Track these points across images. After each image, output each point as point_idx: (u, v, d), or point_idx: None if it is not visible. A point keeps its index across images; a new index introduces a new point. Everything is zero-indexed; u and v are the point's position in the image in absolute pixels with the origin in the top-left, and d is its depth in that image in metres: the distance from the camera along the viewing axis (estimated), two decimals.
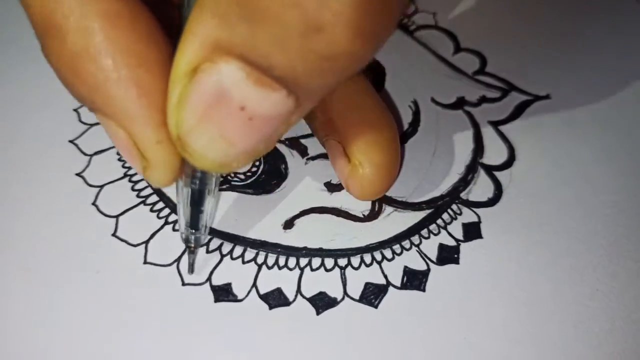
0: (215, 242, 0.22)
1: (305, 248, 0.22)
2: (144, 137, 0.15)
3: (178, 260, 0.21)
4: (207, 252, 0.22)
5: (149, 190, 0.23)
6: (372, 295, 0.21)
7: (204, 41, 0.13)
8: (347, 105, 0.21)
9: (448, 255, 0.22)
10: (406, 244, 0.22)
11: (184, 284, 0.21)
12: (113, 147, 0.24)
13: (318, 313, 0.20)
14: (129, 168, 0.24)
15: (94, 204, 0.23)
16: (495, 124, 0.25)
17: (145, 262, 0.21)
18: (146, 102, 0.15)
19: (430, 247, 0.22)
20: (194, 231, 0.20)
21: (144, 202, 0.23)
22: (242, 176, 0.23)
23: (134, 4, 0.15)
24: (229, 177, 0.23)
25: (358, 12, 0.12)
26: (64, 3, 0.14)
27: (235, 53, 0.13)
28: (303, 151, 0.24)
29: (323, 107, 0.21)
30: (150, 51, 0.15)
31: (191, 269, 0.21)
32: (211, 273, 0.21)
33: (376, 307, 0.20)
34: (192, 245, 0.20)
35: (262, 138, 0.15)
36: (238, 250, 0.22)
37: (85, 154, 0.24)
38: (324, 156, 0.24)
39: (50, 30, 0.15)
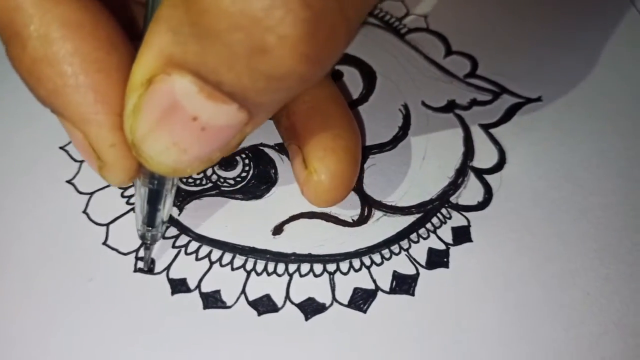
0: (205, 249, 0.22)
1: (294, 254, 0.22)
2: (99, 140, 0.16)
3: (167, 268, 0.21)
4: (197, 259, 0.22)
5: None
6: (361, 300, 0.21)
7: (159, 54, 0.14)
8: (309, 112, 0.21)
9: (437, 260, 0.22)
10: (395, 248, 0.22)
11: (173, 293, 0.21)
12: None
13: (307, 319, 0.20)
14: None
15: (84, 212, 0.23)
16: (486, 127, 0.25)
17: (135, 271, 0.21)
18: (102, 107, 0.16)
19: (420, 251, 0.22)
20: (150, 228, 0.20)
21: (133, 210, 0.23)
22: (231, 181, 0.24)
23: (97, 11, 0.16)
24: (218, 183, 0.23)
25: (303, 38, 0.12)
26: (24, 11, 0.15)
27: (188, 68, 0.13)
28: None
29: (287, 111, 0.21)
30: (110, 58, 0.16)
31: (146, 265, 0.21)
32: (200, 280, 0.21)
33: (365, 312, 0.20)
34: (149, 241, 0.21)
35: (216, 147, 0.15)
36: (227, 257, 0.22)
37: (75, 160, 0.24)
38: None
39: (12, 36, 0.15)
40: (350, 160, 0.21)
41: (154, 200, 0.19)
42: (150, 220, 0.20)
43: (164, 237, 0.22)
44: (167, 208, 0.20)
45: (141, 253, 0.22)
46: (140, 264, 0.21)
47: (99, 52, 0.16)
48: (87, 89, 0.16)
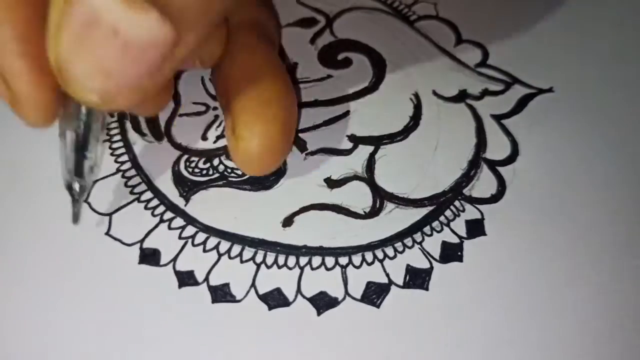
0: (213, 241, 0.21)
1: (305, 246, 0.21)
2: (10, 67, 0.16)
3: (174, 260, 0.21)
4: (204, 251, 0.21)
5: (143, 187, 0.22)
6: (374, 294, 0.20)
7: None
8: (242, 77, 0.21)
9: (451, 253, 0.21)
10: (408, 241, 0.21)
11: (180, 286, 0.20)
12: (104, 140, 0.24)
13: (319, 313, 0.20)
14: (122, 163, 0.23)
15: (86, 201, 0.22)
16: (498, 118, 0.25)
17: (140, 262, 0.21)
18: (12, 32, 0.15)
19: (433, 244, 0.21)
20: (78, 178, 0.19)
21: (138, 199, 0.22)
22: (239, 172, 0.23)
23: None
24: (225, 173, 0.23)
25: None
26: None
27: None
28: (302, 146, 0.24)
29: (223, 77, 0.21)
30: None
31: (75, 219, 0.20)
32: (208, 272, 0.20)
33: (378, 306, 0.20)
34: (77, 193, 0.19)
35: (143, 70, 0.14)
36: (236, 249, 0.21)
37: None
38: (323, 151, 0.23)
39: None
40: (279, 128, 0.20)
41: (81, 145, 0.18)
42: (77, 168, 0.18)
43: (170, 228, 0.21)
44: (95, 154, 0.19)
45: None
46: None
47: None
48: None
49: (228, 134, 0.21)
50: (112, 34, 0.13)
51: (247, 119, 0.20)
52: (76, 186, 0.19)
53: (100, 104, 0.15)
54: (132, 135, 0.24)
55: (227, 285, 0.20)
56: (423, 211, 0.22)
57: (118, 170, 0.23)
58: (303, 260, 0.21)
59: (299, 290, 0.20)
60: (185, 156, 0.23)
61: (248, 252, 0.21)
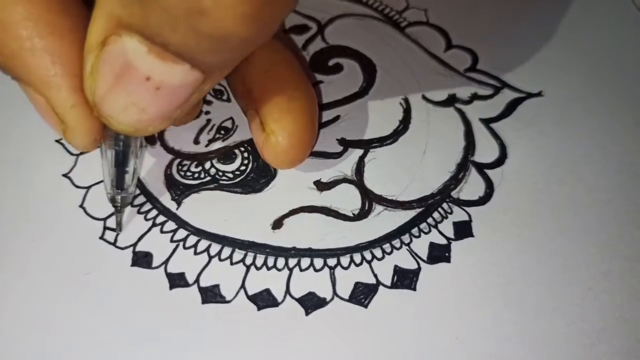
0: (204, 243, 0.22)
1: (294, 248, 0.21)
2: (59, 102, 0.17)
3: (166, 262, 0.21)
4: (195, 253, 0.21)
5: (136, 192, 0.23)
6: (362, 294, 0.20)
7: (110, 16, 0.14)
8: (264, 76, 0.21)
9: (439, 254, 0.21)
10: (396, 243, 0.22)
11: (171, 288, 0.21)
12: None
13: (307, 313, 0.20)
14: None
15: (81, 206, 0.22)
16: (487, 122, 0.25)
17: (133, 265, 0.21)
18: (59, 69, 0.17)
19: (421, 246, 0.22)
20: (119, 191, 0.21)
21: (131, 204, 0.23)
22: (230, 175, 0.23)
23: None
24: (216, 177, 0.23)
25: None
26: None
27: (134, 29, 0.14)
28: None
29: (242, 78, 0.22)
30: (62, 20, 0.16)
31: (119, 228, 0.22)
32: (199, 274, 0.21)
33: (366, 306, 0.20)
34: (119, 204, 0.21)
35: (174, 106, 0.16)
36: (226, 251, 0.21)
37: (71, 154, 0.24)
38: (313, 154, 0.24)
39: None
40: (306, 121, 0.21)
41: (120, 162, 0.20)
42: (119, 182, 0.20)
43: (162, 232, 0.22)
44: (134, 170, 0.20)
45: (112, 223, 0.22)
46: (112, 226, 0.22)
47: (50, 15, 0.16)
48: (42, 52, 0.16)
49: (255, 132, 0.22)
50: (145, 79, 0.15)
51: (277, 115, 0.21)
52: (118, 198, 0.21)
53: (134, 133, 0.17)
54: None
55: (217, 286, 0.21)
56: (411, 213, 0.22)
57: None
58: (292, 261, 0.21)
59: (287, 291, 0.20)
60: (178, 160, 0.24)
61: (238, 254, 0.21)
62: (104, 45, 0.15)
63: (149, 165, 0.23)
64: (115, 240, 0.22)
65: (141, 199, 0.23)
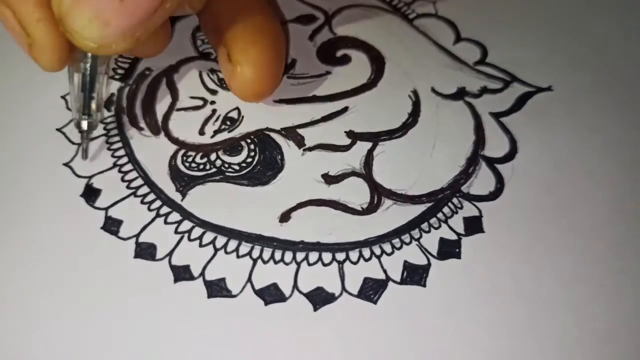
0: (209, 236, 0.21)
1: (302, 242, 0.21)
2: (25, 15, 0.18)
3: (170, 254, 0.21)
4: (200, 246, 0.21)
5: (140, 181, 0.22)
6: (371, 290, 0.20)
7: None
8: (232, 12, 0.22)
9: (449, 250, 0.21)
10: (406, 238, 0.21)
11: (176, 281, 0.20)
12: (101, 135, 0.23)
13: (315, 309, 0.20)
14: (119, 157, 0.23)
15: (82, 195, 0.22)
16: (497, 116, 0.25)
17: (136, 257, 0.21)
18: None
19: (431, 241, 0.21)
20: (85, 116, 0.21)
21: (134, 194, 0.22)
22: (236, 167, 0.23)
23: None
24: (222, 168, 0.23)
25: None
26: None
27: None
28: (300, 141, 0.23)
29: (212, 16, 0.23)
30: None
31: (85, 155, 0.22)
32: (204, 267, 0.20)
33: (375, 302, 0.20)
34: (85, 129, 0.22)
35: (136, 20, 0.17)
36: (232, 244, 0.21)
37: (73, 143, 0.23)
38: (321, 147, 0.23)
39: None
40: (272, 53, 0.22)
41: (87, 86, 0.21)
42: (85, 107, 0.21)
43: (166, 223, 0.21)
44: (100, 94, 0.21)
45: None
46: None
47: None
48: None
49: (223, 63, 0.22)
50: None
51: (243, 46, 0.21)
52: (84, 124, 0.21)
53: (98, 50, 0.17)
54: (129, 129, 0.24)
55: (223, 280, 0.20)
56: (421, 208, 0.22)
57: (115, 165, 0.23)
58: (300, 255, 0.21)
59: (295, 286, 0.20)
60: (182, 151, 0.23)
61: (244, 248, 0.21)
62: None
63: (154, 156, 0.23)
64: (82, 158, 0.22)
65: (145, 189, 0.22)
